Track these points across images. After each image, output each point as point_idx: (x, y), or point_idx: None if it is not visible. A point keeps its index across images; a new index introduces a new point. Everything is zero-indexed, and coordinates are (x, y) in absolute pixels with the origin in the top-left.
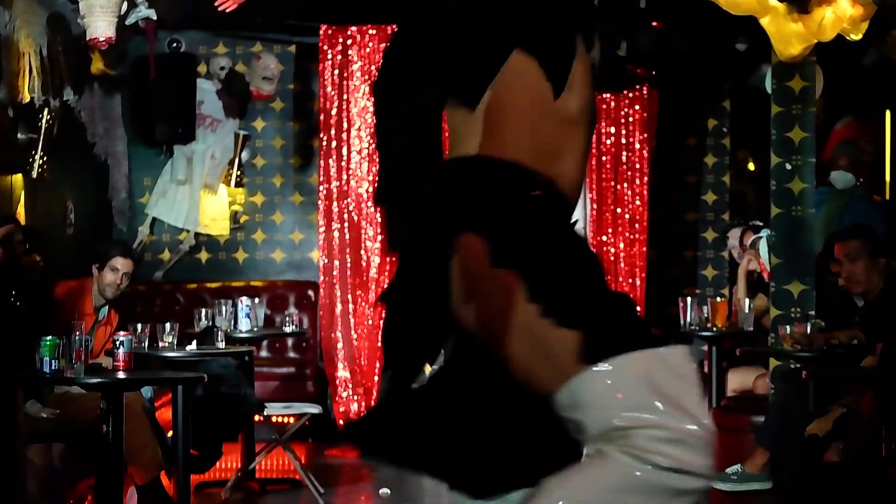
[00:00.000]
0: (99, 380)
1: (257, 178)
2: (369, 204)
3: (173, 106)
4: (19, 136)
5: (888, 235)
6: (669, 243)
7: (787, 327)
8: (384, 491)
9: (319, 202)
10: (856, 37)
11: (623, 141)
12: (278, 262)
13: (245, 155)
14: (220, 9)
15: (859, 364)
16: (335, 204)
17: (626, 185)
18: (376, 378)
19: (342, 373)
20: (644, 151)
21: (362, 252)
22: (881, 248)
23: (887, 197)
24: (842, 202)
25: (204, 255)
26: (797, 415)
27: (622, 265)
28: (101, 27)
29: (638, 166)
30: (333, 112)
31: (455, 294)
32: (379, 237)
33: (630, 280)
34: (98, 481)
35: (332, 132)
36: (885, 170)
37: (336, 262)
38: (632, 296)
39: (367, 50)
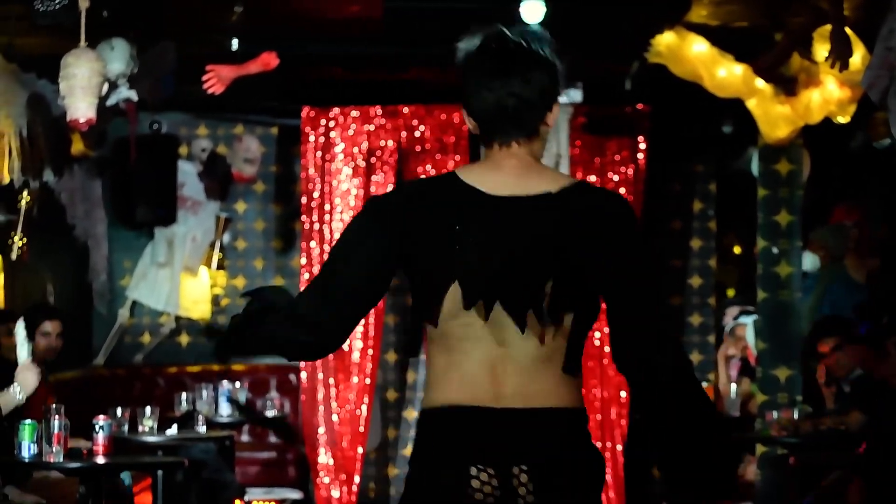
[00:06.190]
0: (78, 465)
1: (239, 260)
2: None
3: (154, 188)
4: None
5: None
6: None
7: (774, 413)
8: None
9: (301, 286)
10: (843, 119)
11: None
12: None
13: (226, 237)
14: (208, 91)
15: (847, 450)
16: None
17: None
18: (357, 464)
19: (324, 458)
20: None
21: None
22: (857, 336)
23: None
24: (822, 287)
25: (185, 339)
26: (785, 502)
27: (607, 351)
28: (81, 108)
29: None
30: (316, 194)
31: None
32: (361, 322)
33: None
34: None
35: (315, 215)
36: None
37: None
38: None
39: (350, 132)
